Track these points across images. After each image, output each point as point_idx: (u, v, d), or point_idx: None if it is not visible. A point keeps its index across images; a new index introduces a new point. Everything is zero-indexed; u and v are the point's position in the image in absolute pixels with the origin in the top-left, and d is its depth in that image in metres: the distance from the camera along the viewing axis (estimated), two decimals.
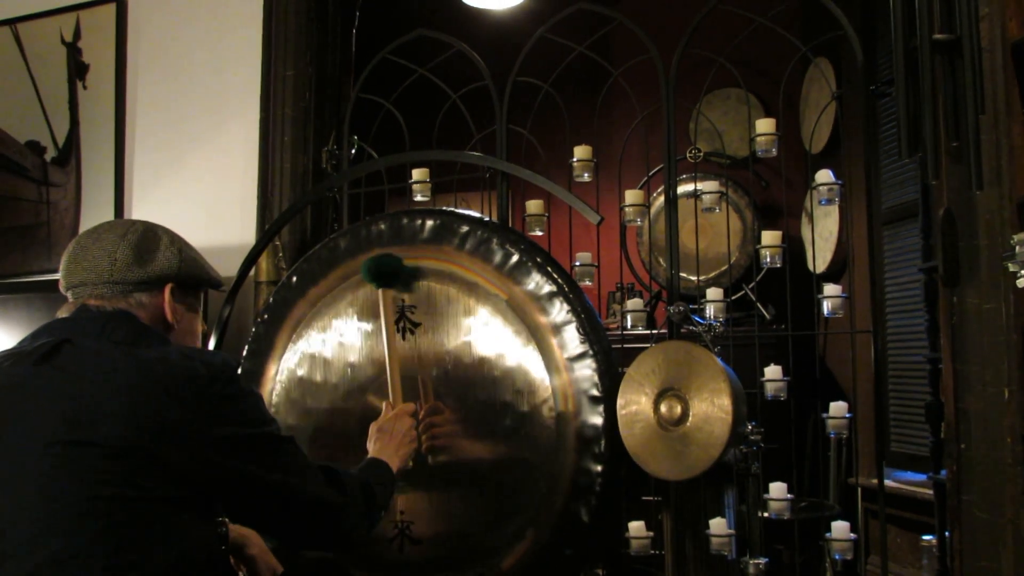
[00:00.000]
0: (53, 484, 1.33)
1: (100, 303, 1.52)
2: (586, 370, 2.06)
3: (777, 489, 2.24)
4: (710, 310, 2.40)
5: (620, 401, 2.03)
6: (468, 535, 2.13)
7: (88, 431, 1.33)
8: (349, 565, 2.18)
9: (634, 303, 2.63)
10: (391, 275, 2.20)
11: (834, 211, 3.50)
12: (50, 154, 3.46)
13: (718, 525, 2.24)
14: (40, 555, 1.30)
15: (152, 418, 1.35)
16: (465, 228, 2.23)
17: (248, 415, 1.47)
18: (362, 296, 2.30)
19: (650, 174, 3.27)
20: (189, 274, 1.59)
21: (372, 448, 1.98)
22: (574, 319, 2.09)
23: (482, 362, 2.15)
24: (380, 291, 2.19)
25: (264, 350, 2.41)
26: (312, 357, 2.33)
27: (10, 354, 1.48)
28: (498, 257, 2.19)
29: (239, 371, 1.47)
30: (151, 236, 1.58)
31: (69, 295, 1.56)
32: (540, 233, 2.59)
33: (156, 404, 1.36)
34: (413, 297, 2.23)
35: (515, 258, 2.17)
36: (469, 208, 2.59)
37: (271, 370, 2.38)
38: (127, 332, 1.48)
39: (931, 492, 2.21)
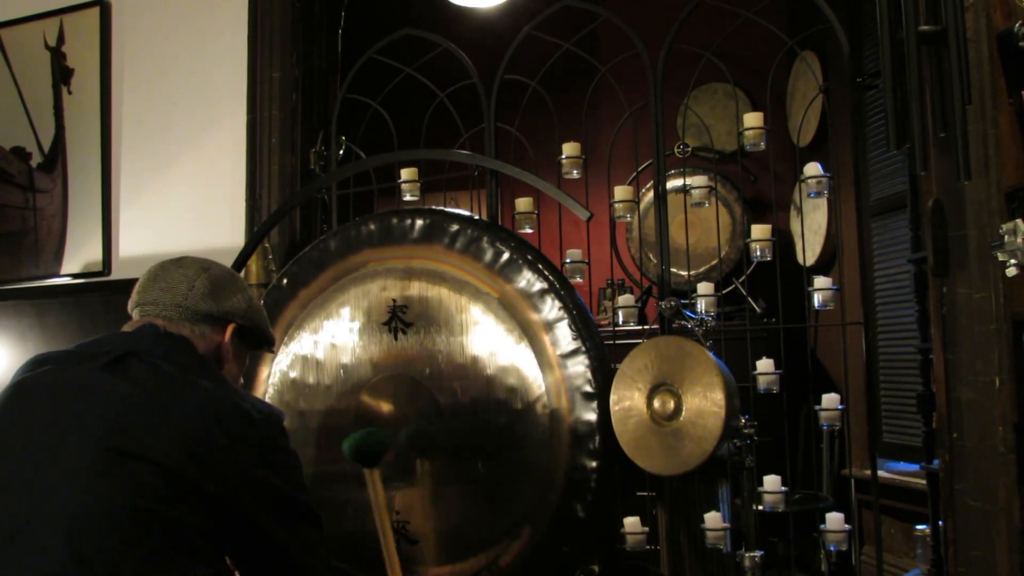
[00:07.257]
0: (101, 485, 1.33)
1: (165, 324, 1.54)
2: (579, 367, 2.06)
3: (771, 482, 2.25)
4: (701, 305, 2.40)
5: (613, 397, 2.03)
6: (465, 533, 2.13)
7: (143, 445, 1.36)
8: (349, 567, 2.17)
9: (625, 299, 2.63)
10: (378, 454, 1.90)
11: (823, 204, 3.51)
12: (36, 160, 3.44)
13: (713, 519, 2.24)
14: (68, 553, 1.29)
15: (200, 445, 1.37)
16: (455, 227, 2.23)
17: (286, 470, 1.48)
18: (353, 297, 2.29)
19: (639, 170, 3.28)
20: (253, 322, 1.64)
21: None
22: (566, 316, 2.09)
23: (475, 360, 2.14)
24: (367, 472, 1.87)
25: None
26: (304, 359, 2.32)
27: (68, 354, 1.50)
28: (489, 255, 2.18)
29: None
30: (230, 277, 1.64)
31: (135, 313, 1.58)
32: (530, 231, 2.59)
33: (206, 432, 1.38)
34: (404, 297, 2.23)
35: (506, 256, 2.17)
36: (458, 207, 2.58)
37: (263, 373, 2.37)
38: (189, 359, 1.51)
39: (924, 482, 2.22)
